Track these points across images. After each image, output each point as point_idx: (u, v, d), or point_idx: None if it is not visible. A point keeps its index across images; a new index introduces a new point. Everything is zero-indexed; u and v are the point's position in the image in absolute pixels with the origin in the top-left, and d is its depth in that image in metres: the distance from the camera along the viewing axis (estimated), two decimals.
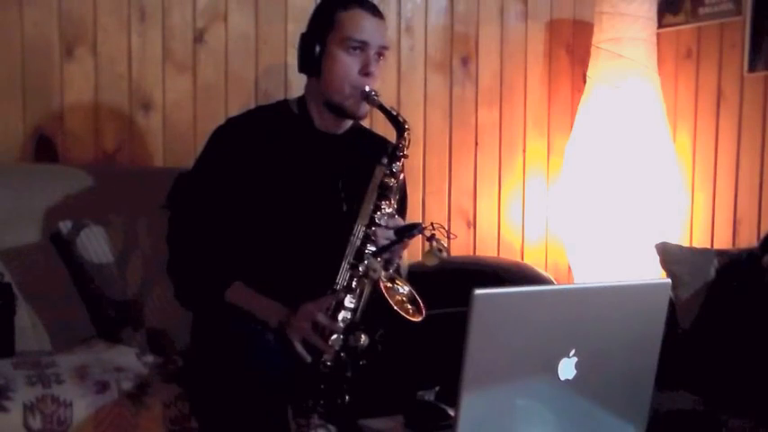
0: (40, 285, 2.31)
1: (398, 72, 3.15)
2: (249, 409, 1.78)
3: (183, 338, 2.21)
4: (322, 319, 1.90)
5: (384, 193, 2.02)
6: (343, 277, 1.98)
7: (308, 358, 1.90)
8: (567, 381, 1.52)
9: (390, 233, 2.01)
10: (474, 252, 3.32)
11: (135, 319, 2.32)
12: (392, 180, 2.03)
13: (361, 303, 1.95)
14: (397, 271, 2.06)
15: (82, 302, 2.35)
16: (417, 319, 1.90)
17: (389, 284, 1.93)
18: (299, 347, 1.90)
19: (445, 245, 1.93)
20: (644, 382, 1.64)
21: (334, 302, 1.94)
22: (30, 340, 2.24)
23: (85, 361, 2.08)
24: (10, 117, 2.64)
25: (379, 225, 2.00)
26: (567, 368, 1.52)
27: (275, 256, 2.12)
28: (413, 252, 2.71)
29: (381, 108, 2.08)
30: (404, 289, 1.95)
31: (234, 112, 2.72)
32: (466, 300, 1.40)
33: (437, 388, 1.97)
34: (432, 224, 1.94)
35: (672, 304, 2.52)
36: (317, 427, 1.96)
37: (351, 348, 1.89)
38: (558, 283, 3.15)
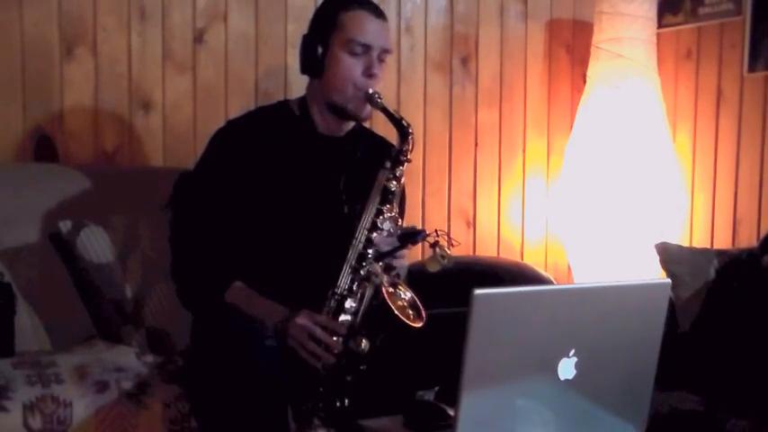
0: (40, 285, 2.31)
1: (398, 72, 3.15)
2: (249, 410, 1.78)
3: (183, 338, 2.21)
4: (320, 334, 1.90)
5: (387, 197, 2.02)
6: (344, 281, 1.98)
7: (319, 365, 1.89)
8: (567, 381, 1.52)
9: (393, 238, 2.01)
10: (474, 252, 3.32)
11: (135, 319, 2.32)
12: (395, 184, 2.03)
13: (362, 307, 1.95)
14: (397, 275, 2.05)
15: (82, 302, 2.35)
16: (418, 324, 1.90)
17: (391, 289, 1.93)
18: (307, 356, 1.90)
19: (448, 251, 1.93)
20: (644, 382, 1.64)
21: (332, 310, 1.94)
22: (30, 340, 2.24)
23: (85, 361, 2.08)
24: (10, 117, 2.64)
25: (382, 229, 2.00)
26: (566, 368, 1.52)
27: (276, 258, 2.12)
28: (413, 255, 2.71)
29: (385, 111, 2.08)
30: (406, 294, 1.95)
31: (234, 112, 2.72)
32: (466, 300, 1.40)
33: (437, 388, 1.97)
34: (435, 231, 1.95)
35: (672, 304, 2.52)
36: (316, 428, 1.96)
37: (351, 352, 1.89)
38: (558, 283, 3.15)
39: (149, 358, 2.15)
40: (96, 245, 2.33)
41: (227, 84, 2.90)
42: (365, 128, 2.33)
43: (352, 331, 1.92)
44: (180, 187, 2.43)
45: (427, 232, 1.98)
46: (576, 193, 3.19)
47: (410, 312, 1.92)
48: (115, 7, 2.74)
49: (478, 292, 1.41)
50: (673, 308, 2.54)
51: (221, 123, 2.27)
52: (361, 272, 1.96)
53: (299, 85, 2.43)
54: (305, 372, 1.91)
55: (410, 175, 2.13)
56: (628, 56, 3.10)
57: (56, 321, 2.30)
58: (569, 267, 3.34)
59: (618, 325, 1.58)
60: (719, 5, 3.10)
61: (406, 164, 2.05)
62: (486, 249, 3.35)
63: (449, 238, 1.95)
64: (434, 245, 1.93)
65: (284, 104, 2.28)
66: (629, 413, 1.64)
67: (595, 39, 3.19)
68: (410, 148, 2.05)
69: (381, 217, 2.01)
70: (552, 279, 3.09)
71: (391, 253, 1.99)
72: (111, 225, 2.38)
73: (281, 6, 2.96)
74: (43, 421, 1.90)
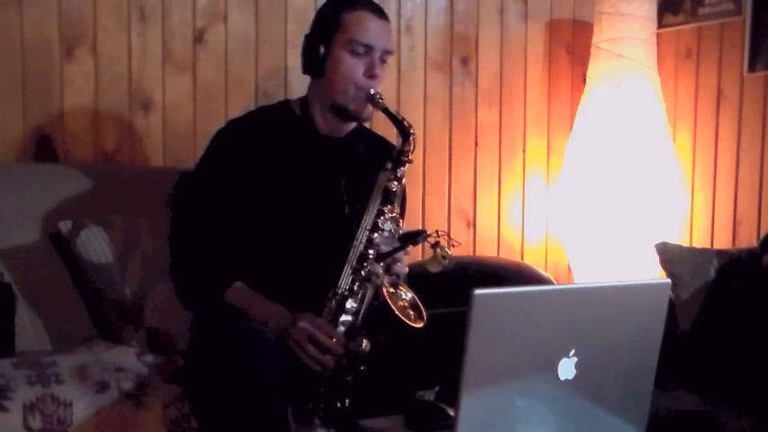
0: (40, 285, 2.31)
1: (398, 72, 3.15)
2: (249, 410, 1.78)
3: (183, 338, 2.21)
4: (320, 337, 1.89)
5: (388, 197, 2.02)
6: (345, 281, 1.98)
7: (319, 368, 1.89)
8: (566, 381, 1.52)
9: (394, 239, 2.01)
10: (474, 252, 3.32)
11: (135, 319, 2.32)
12: (396, 185, 2.03)
13: (363, 308, 1.95)
14: (398, 275, 2.05)
15: (82, 302, 2.36)
16: (419, 325, 1.90)
17: (392, 290, 1.93)
18: (307, 360, 1.89)
19: (449, 252, 1.93)
20: (644, 382, 1.64)
21: (333, 311, 1.94)
22: (30, 340, 2.24)
23: (85, 361, 2.08)
24: (10, 117, 2.64)
25: (383, 230, 2.00)
26: (566, 368, 1.52)
27: (277, 258, 2.12)
28: (414, 256, 2.71)
29: (386, 112, 2.08)
30: (406, 295, 1.95)
31: (234, 112, 2.72)
32: (466, 300, 1.40)
33: (437, 388, 1.97)
34: (436, 231, 1.95)
35: (672, 304, 2.52)
36: (316, 428, 1.96)
37: (352, 353, 1.89)
38: (558, 283, 3.15)
39: (149, 358, 2.15)
40: (96, 245, 2.33)
41: (227, 84, 2.90)
42: (366, 128, 2.33)
43: (353, 332, 1.92)
44: (180, 187, 2.43)
45: (428, 232, 1.98)
46: (576, 193, 3.19)
47: (411, 313, 1.92)
48: (115, 7, 2.74)
49: (478, 292, 1.41)
50: (673, 308, 2.54)
51: (221, 123, 2.27)
52: (362, 272, 1.96)
53: (299, 85, 2.43)
54: (305, 372, 1.91)
55: (410, 176, 2.13)
56: (628, 56, 3.10)
57: (56, 321, 2.30)
58: (569, 267, 3.34)
59: (618, 325, 1.58)
60: (719, 5, 3.11)
61: (407, 164, 2.06)
62: (486, 249, 3.35)
63: (449, 238, 1.95)
64: (435, 245, 1.93)
65: (285, 104, 2.28)
66: (629, 413, 1.64)
67: (595, 39, 3.19)
68: (411, 148, 2.05)
69: (382, 218, 2.01)
70: (552, 279, 3.09)
71: (392, 253, 1.99)
72: (111, 225, 2.38)
73: (281, 6, 2.96)
74: (43, 421, 1.90)
